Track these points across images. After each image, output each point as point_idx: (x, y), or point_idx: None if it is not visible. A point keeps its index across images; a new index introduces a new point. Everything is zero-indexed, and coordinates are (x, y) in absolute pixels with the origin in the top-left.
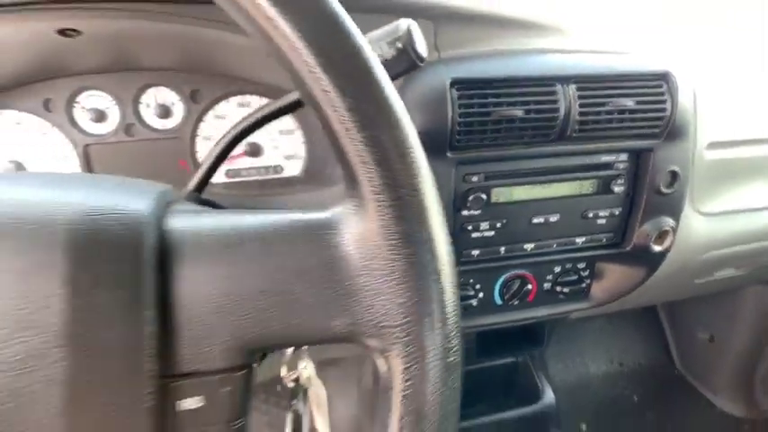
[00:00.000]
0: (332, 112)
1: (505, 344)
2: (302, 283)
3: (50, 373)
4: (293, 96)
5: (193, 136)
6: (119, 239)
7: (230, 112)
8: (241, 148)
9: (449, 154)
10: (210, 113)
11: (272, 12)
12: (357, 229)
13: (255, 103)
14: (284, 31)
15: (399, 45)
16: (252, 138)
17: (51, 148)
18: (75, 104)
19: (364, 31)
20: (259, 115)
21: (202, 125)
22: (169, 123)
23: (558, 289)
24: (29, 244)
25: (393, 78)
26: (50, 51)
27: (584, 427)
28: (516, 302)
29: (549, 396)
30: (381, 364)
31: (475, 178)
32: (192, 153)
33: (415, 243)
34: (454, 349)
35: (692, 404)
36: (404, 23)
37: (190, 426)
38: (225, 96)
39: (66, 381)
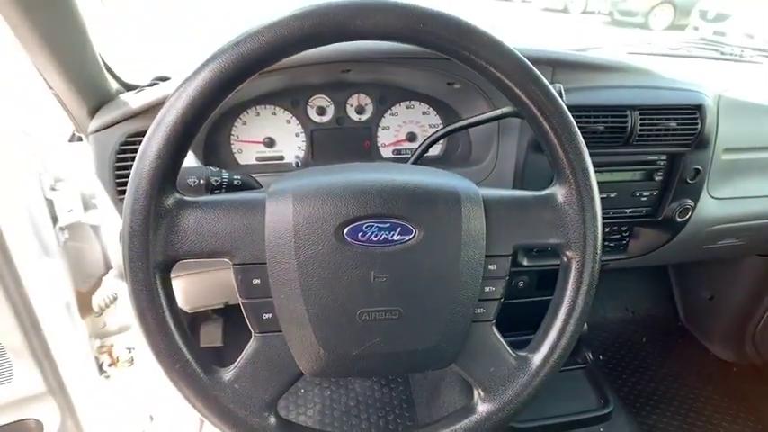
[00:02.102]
0: (550, 131)
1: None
2: (544, 224)
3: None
4: (496, 113)
5: (376, 126)
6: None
7: (401, 111)
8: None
9: None
10: (388, 112)
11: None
12: (561, 193)
13: (417, 106)
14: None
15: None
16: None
17: (291, 130)
18: (309, 104)
19: None
20: (472, 120)
21: (383, 119)
22: (363, 117)
23: (606, 243)
24: (443, 205)
25: None
26: (297, 76)
27: (600, 357)
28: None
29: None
30: (566, 258)
31: None
32: (374, 138)
33: (590, 199)
34: (599, 255)
35: (690, 349)
36: (557, 85)
37: None
38: (398, 101)
39: None
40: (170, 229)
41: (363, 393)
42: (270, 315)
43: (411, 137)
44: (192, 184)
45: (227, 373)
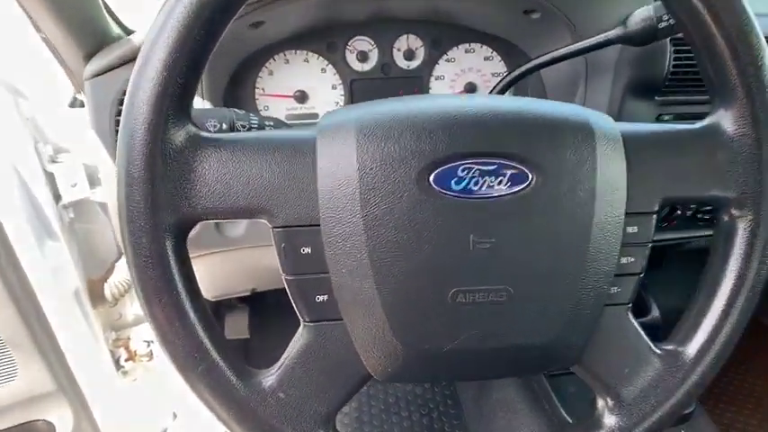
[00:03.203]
0: (717, 34)
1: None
2: (703, 169)
3: None
4: (611, 35)
5: (429, 76)
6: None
7: (458, 57)
8: None
9: (656, 97)
10: (444, 58)
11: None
12: (730, 123)
13: (478, 50)
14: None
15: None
16: None
17: (327, 81)
18: (348, 47)
19: None
20: (574, 48)
21: (437, 67)
22: (412, 64)
23: (699, 216)
24: (572, 141)
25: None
26: (331, 6)
27: None
28: (665, 224)
29: (655, 311)
30: (728, 218)
31: (666, 117)
32: (426, 89)
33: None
34: None
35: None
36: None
37: None
38: (456, 44)
39: None
40: (183, 175)
41: (403, 389)
42: (325, 297)
43: (471, 88)
44: (211, 129)
45: (269, 378)
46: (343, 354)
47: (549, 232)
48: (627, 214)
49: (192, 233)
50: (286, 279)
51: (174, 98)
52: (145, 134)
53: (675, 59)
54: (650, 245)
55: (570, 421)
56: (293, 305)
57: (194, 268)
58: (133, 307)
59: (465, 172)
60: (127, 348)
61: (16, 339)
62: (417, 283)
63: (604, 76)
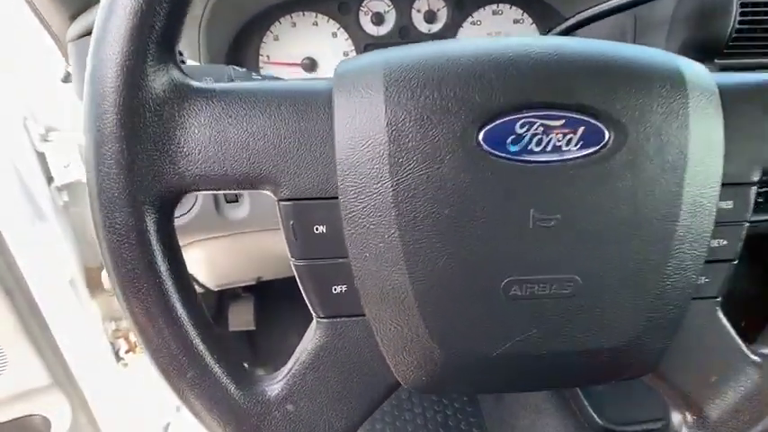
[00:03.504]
0: None
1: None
2: None
3: None
4: None
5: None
6: None
7: (485, 19)
8: None
9: (716, 60)
10: (468, 20)
11: None
12: None
13: (506, 12)
14: None
15: None
16: None
17: (339, 47)
18: (362, 8)
19: None
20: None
21: (461, 30)
22: (434, 28)
23: None
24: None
25: None
26: None
27: None
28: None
29: None
30: None
31: None
32: None
33: None
34: None
35: None
36: None
37: None
38: (482, 4)
39: None
40: (167, 134)
41: None
42: (344, 287)
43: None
44: None
45: (275, 386)
46: (365, 357)
47: (630, 206)
48: (722, 185)
49: (189, 216)
50: (295, 265)
51: (154, 32)
52: (117, 79)
53: (741, 15)
54: (747, 225)
55: (600, 422)
56: (304, 297)
57: (193, 255)
58: None
59: (525, 128)
60: (127, 339)
61: (4, 329)
62: (461, 270)
63: (656, 34)
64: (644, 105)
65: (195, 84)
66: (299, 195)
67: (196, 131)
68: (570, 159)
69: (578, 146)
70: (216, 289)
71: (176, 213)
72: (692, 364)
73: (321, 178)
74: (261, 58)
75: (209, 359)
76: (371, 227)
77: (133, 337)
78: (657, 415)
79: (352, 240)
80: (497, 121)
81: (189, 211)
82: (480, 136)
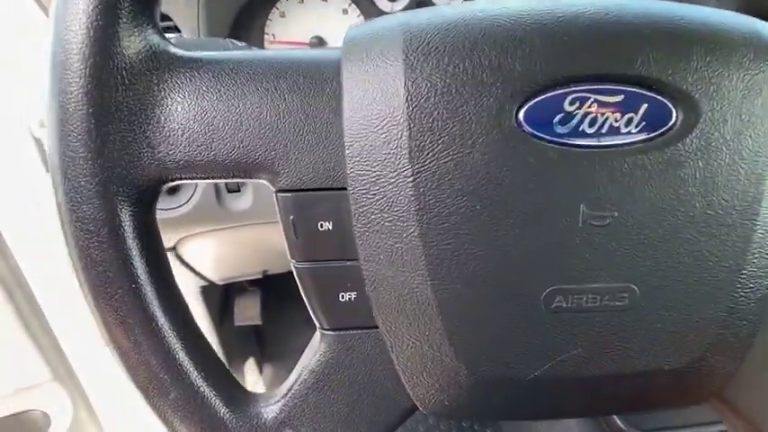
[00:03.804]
0: None
1: None
2: None
3: None
4: None
5: None
6: None
7: None
8: None
9: None
10: None
11: None
12: None
13: None
14: None
15: None
16: None
17: (349, 24)
18: None
19: None
20: None
21: None
22: (458, 1)
23: None
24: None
25: None
26: None
27: None
28: None
29: None
30: None
31: None
32: None
33: None
34: None
35: None
36: None
37: None
38: None
39: None
40: (144, 110)
41: None
42: (353, 295)
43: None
44: None
45: (272, 407)
46: (377, 377)
47: (701, 201)
48: None
49: (188, 207)
50: (296, 267)
51: None
52: (82, 43)
53: None
54: None
55: (624, 428)
56: (307, 305)
57: (195, 247)
58: None
59: (575, 105)
60: None
61: (4, 325)
62: (494, 277)
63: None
64: (720, 78)
65: (178, 52)
66: (301, 186)
67: (178, 108)
68: (630, 144)
69: (640, 127)
70: (221, 283)
71: (174, 204)
72: (764, 388)
73: (327, 165)
74: (266, 36)
75: (195, 376)
76: (387, 224)
77: None
78: (686, 421)
79: (363, 239)
80: (542, 97)
81: (188, 201)
82: (521, 114)
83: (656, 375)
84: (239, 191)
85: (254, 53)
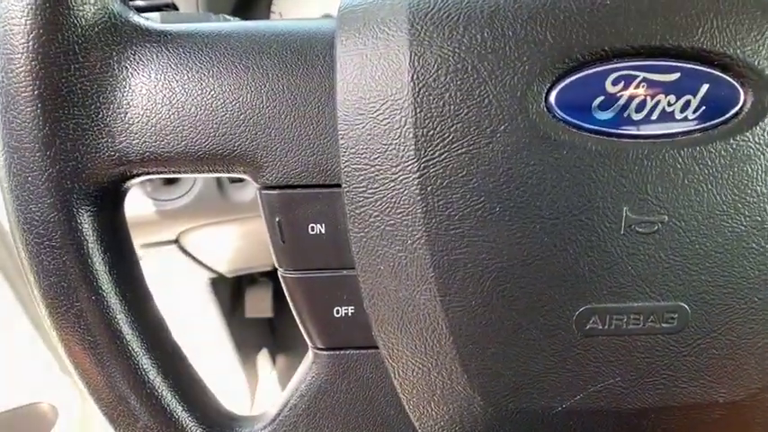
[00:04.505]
0: None
1: None
2: None
3: None
4: None
5: None
6: None
7: None
8: None
9: None
10: None
11: None
12: None
13: None
14: None
15: None
16: None
17: None
18: None
19: None
20: None
21: None
22: None
23: None
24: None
25: None
26: None
27: None
28: None
29: None
30: None
31: None
32: None
33: None
34: None
35: None
36: None
37: None
38: None
39: None
40: (101, 91)
41: None
42: (350, 309)
43: None
44: None
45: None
46: (378, 404)
47: None
48: None
49: (189, 198)
50: (284, 277)
51: None
52: (26, 12)
53: None
54: None
55: None
56: (298, 322)
57: (201, 240)
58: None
59: (619, 85)
60: None
61: (10, 317)
62: (517, 293)
63: None
64: None
65: (143, 23)
66: (288, 182)
67: (143, 90)
68: (686, 133)
69: (699, 113)
70: (230, 275)
71: (173, 195)
72: None
73: (318, 158)
74: (272, 15)
75: (169, 400)
76: (388, 228)
77: None
78: None
79: (360, 246)
80: (578, 75)
81: (188, 191)
82: (552, 96)
83: (708, 409)
84: (242, 181)
85: (233, 24)
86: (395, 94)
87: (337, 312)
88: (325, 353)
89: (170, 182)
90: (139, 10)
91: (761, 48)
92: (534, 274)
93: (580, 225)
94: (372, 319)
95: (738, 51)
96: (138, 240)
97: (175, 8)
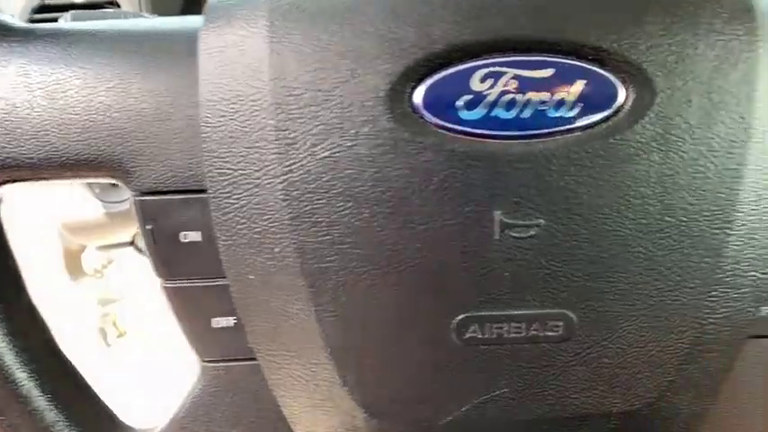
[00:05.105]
0: None
1: None
2: None
3: None
4: None
5: None
6: None
7: None
8: None
9: None
10: None
11: None
12: None
13: None
14: None
15: None
16: None
17: None
18: None
19: None
20: None
21: None
22: None
23: None
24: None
25: None
26: None
27: None
28: None
29: None
30: None
31: None
32: None
33: None
34: None
35: None
36: None
37: None
38: None
39: None
40: None
41: None
42: (231, 320)
43: None
44: None
45: None
46: (267, 416)
47: (657, 204)
48: None
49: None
50: (164, 287)
51: None
52: None
53: None
54: None
55: None
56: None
57: None
58: (121, 277)
59: (488, 83)
60: (115, 325)
61: None
62: (391, 302)
63: None
64: (683, 46)
65: (2, 20)
66: (158, 188)
67: (0, 93)
68: (561, 132)
69: (575, 111)
70: None
71: (117, 197)
72: (741, 426)
73: (186, 162)
74: None
75: (44, 408)
76: (255, 236)
77: (120, 322)
78: None
79: (229, 254)
80: (443, 72)
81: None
82: (416, 96)
83: (603, 420)
84: None
85: (105, 23)
86: (254, 95)
87: (216, 323)
88: (209, 365)
89: (113, 184)
90: (77, 7)
91: (639, 42)
92: (408, 282)
93: (452, 231)
94: (247, 331)
95: (615, 45)
96: (94, 242)
97: (118, 5)
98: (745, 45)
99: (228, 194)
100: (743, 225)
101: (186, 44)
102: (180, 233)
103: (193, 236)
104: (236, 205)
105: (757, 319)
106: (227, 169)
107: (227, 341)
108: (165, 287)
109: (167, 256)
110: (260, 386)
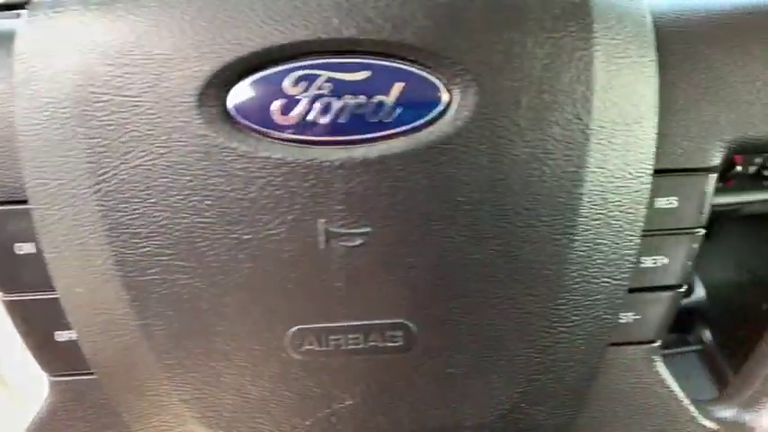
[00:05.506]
0: None
1: None
2: None
3: None
4: None
5: None
6: None
7: None
8: None
9: None
10: None
11: None
12: None
13: None
14: None
15: None
16: None
17: None
18: None
19: None
20: None
21: None
22: None
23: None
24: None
25: None
26: None
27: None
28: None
29: (700, 289)
30: None
31: None
32: None
33: None
34: None
35: None
36: None
37: None
38: None
39: None
40: None
41: None
42: (71, 333)
43: None
44: None
45: None
46: (117, 429)
47: (489, 209)
48: (657, 173)
49: None
50: (2, 301)
51: None
52: None
53: None
54: (702, 232)
55: None
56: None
57: None
58: None
59: (301, 86)
60: None
61: None
62: (220, 315)
63: None
64: (510, 44)
65: None
66: None
67: None
68: (381, 137)
69: (396, 114)
70: None
71: None
72: None
73: (9, 173)
74: None
75: None
76: (76, 248)
77: None
78: None
79: (54, 266)
80: (254, 76)
81: None
82: (229, 100)
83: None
84: None
85: None
86: (62, 102)
87: (58, 337)
88: (56, 379)
89: None
90: None
91: (460, 41)
92: (236, 294)
93: (276, 241)
94: (80, 345)
95: (433, 44)
96: None
97: None
98: (579, 42)
99: (48, 205)
100: (587, 230)
101: (6, 46)
102: (14, 244)
103: (28, 247)
104: (56, 216)
105: (616, 326)
106: (44, 179)
107: (72, 354)
108: (4, 300)
109: (3, 267)
110: (99, 401)
